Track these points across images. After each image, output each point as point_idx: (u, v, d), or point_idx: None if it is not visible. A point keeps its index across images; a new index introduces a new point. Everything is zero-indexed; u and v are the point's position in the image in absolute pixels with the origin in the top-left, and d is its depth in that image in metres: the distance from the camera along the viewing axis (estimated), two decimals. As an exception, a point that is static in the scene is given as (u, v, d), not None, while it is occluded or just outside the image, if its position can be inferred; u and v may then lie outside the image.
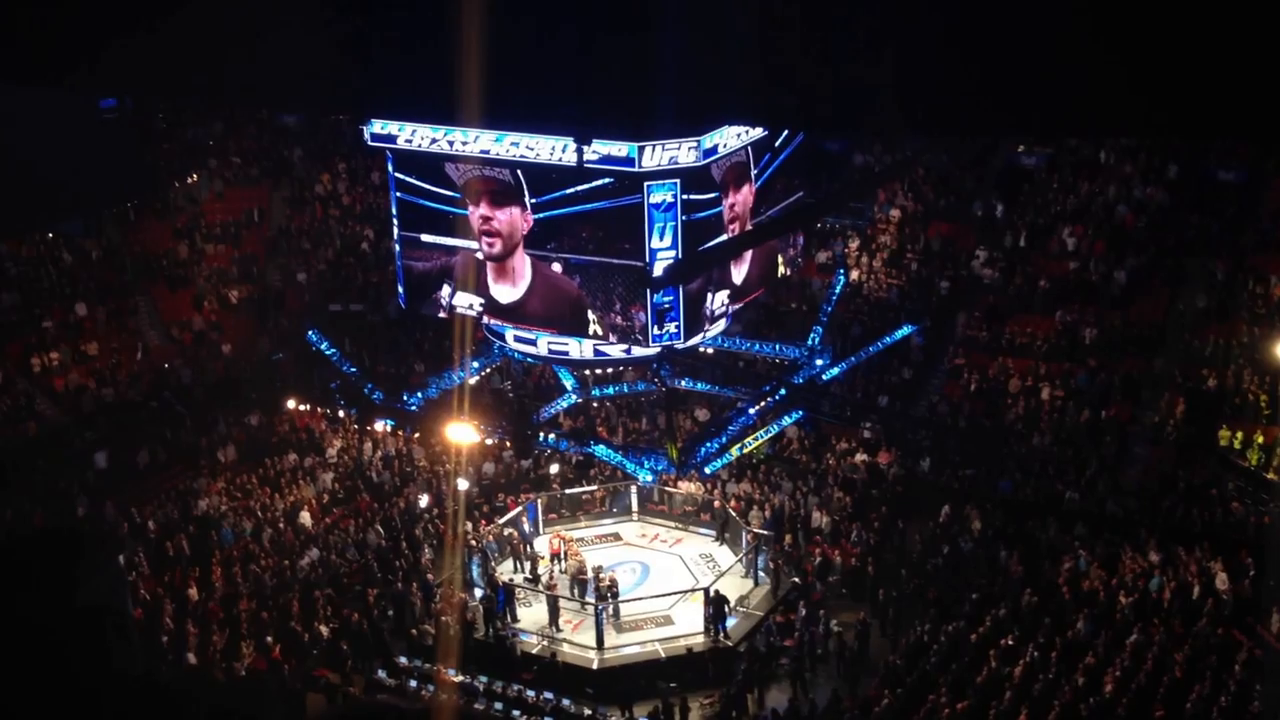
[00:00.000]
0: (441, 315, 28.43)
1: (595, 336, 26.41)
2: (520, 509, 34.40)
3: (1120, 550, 30.52)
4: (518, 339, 28.18)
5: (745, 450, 30.22)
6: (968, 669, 27.05)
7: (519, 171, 25.54)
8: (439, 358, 37.93)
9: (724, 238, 26.46)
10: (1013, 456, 34.52)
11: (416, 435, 35.49)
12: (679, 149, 24.23)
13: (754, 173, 27.19)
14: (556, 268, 26.17)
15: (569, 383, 32.56)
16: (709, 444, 28.28)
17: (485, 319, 27.74)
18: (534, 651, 29.45)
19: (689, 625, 30.05)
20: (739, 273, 27.87)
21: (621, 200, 24.90)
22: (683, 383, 31.34)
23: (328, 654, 29.40)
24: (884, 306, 39.89)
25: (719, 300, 27.13)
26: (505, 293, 26.96)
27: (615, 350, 27.35)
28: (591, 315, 26.06)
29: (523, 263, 26.49)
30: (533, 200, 25.72)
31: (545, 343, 27.98)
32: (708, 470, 29.62)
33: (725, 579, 31.29)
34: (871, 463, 35.58)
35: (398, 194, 27.83)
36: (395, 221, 28.34)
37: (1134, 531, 31.20)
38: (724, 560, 32.88)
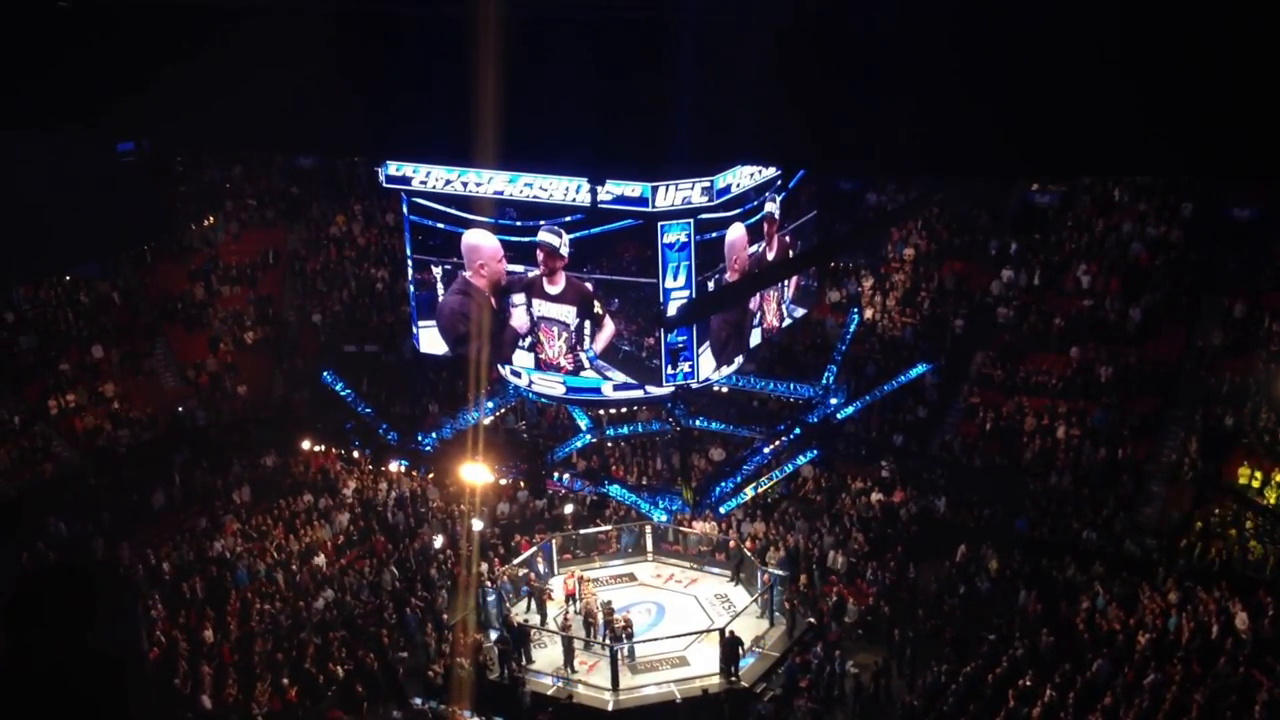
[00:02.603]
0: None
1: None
2: (535, 549, 34.29)
3: (1138, 589, 30.32)
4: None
5: (759, 490, 30.18)
6: (986, 710, 26.84)
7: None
8: (453, 398, 37.95)
9: (737, 277, 26.54)
10: (1029, 495, 34.35)
11: (431, 476, 35.45)
12: (692, 189, 24.36)
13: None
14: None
15: (583, 422, 32.56)
16: (724, 483, 28.24)
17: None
18: (549, 693, 29.32)
19: (704, 666, 29.84)
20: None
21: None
22: (697, 422, 31.30)
23: (343, 695, 29.30)
24: (898, 345, 39.82)
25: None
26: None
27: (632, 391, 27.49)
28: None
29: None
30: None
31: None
32: (723, 510, 29.52)
33: (741, 620, 31.14)
34: (887, 502, 35.45)
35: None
36: (410, 263, 28.48)
37: (1152, 571, 31.02)
38: (739, 600, 32.70)
